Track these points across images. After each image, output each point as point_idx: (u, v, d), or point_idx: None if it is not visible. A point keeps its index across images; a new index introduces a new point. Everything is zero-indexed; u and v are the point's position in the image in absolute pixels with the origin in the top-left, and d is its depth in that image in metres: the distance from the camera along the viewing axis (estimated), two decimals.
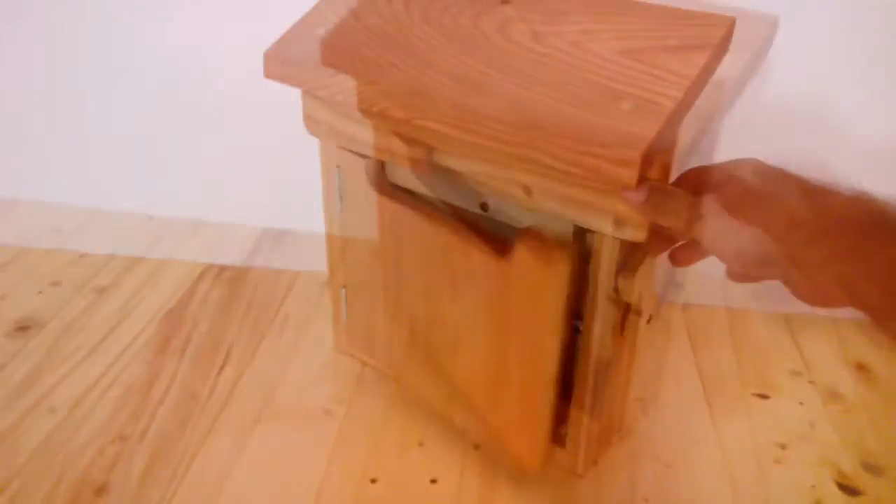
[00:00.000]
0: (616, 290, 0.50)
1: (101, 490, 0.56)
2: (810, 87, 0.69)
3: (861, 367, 0.72)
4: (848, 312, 0.77)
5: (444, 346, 0.58)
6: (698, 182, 0.45)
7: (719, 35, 0.45)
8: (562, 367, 0.52)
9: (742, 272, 0.45)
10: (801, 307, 0.78)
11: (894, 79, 0.68)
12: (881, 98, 0.69)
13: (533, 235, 0.49)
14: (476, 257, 0.51)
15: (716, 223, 0.42)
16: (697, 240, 0.45)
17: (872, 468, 0.60)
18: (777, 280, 0.44)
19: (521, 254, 0.48)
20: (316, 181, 0.63)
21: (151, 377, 0.68)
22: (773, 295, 0.79)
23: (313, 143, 0.61)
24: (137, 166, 0.88)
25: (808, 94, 0.70)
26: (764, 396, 0.68)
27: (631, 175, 0.41)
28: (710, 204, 0.43)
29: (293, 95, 0.57)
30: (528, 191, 0.49)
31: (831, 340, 0.75)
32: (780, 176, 0.43)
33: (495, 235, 0.52)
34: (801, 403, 0.67)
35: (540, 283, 0.48)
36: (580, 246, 0.49)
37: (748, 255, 0.42)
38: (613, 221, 0.47)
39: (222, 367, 0.69)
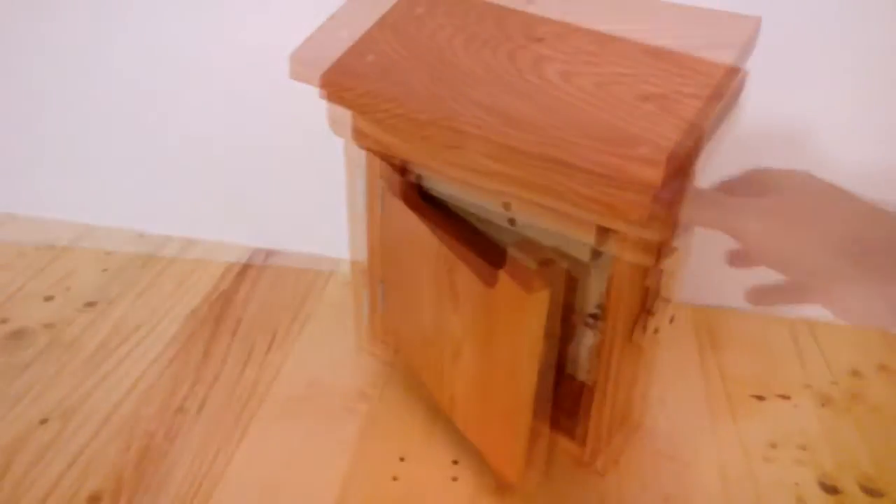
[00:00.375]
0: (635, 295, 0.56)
1: (164, 455, 0.65)
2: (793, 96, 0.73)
3: (857, 374, 0.77)
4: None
5: (448, 353, 0.64)
6: (756, 184, 0.47)
7: (729, 84, 0.50)
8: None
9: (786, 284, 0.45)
10: (806, 312, 0.83)
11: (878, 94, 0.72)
12: (865, 114, 0.73)
13: (516, 262, 0.53)
14: (471, 280, 0.57)
15: (768, 228, 0.42)
16: (743, 243, 0.44)
17: (854, 470, 0.66)
18: (816, 295, 0.44)
19: (504, 279, 0.53)
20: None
21: (207, 353, 0.76)
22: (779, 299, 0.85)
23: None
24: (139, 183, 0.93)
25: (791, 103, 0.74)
26: (761, 398, 0.74)
27: (641, 213, 0.47)
28: (766, 208, 0.43)
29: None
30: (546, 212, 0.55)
31: (831, 346, 0.81)
32: (835, 191, 0.44)
33: (486, 254, 0.57)
34: (795, 406, 0.73)
35: (520, 309, 0.52)
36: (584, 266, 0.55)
37: (796, 264, 0.42)
38: (627, 246, 0.53)
39: (267, 353, 0.77)
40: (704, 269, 0.84)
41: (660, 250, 0.53)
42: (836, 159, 0.74)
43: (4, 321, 0.80)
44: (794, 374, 0.77)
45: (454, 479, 0.64)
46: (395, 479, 0.63)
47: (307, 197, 0.89)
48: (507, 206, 0.56)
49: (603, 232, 0.53)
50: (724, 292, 0.85)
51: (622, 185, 0.47)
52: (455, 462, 0.66)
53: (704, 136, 0.50)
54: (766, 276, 0.49)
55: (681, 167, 0.48)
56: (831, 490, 0.64)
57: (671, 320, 0.60)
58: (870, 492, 0.64)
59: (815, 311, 0.83)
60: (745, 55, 0.52)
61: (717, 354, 0.79)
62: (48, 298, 0.83)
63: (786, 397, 0.74)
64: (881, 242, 0.39)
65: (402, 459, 0.66)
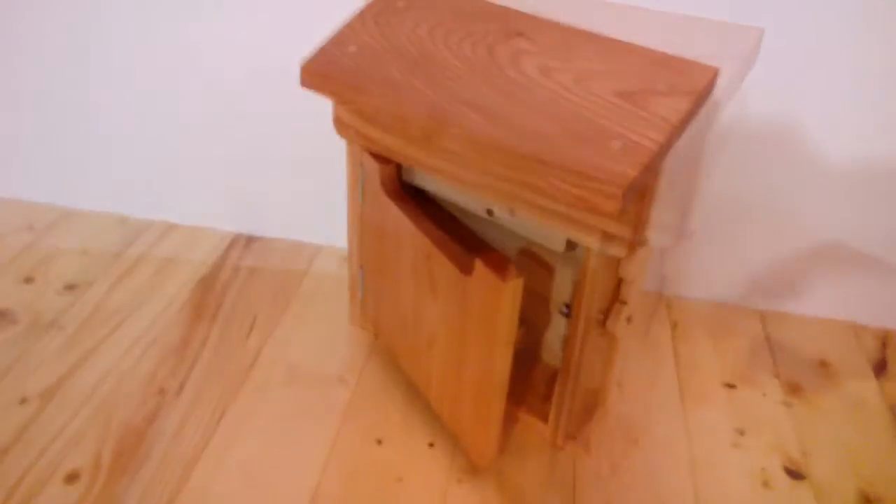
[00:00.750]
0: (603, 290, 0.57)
1: (142, 435, 0.65)
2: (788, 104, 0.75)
3: (823, 364, 0.80)
4: (819, 311, 0.84)
5: (424, 340, 0.65)
6: None
7: (703, 83, 0.52)
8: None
9: None
10: (778, 305, 0.85)
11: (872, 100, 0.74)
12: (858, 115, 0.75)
13: (492, 253, 0.55)
14: (448, 268, 0.58)
15: None
16: None
17: (820, 457, 0.68)
18: None
19: (480, 268, 0.54)
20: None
21: (187, 339, 0.76)
22: (751, 292, 0.87)
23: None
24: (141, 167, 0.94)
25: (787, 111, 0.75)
26: (731, 386, 0.76)
27: (614, 206, 0.48)
28: None
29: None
30: (520, 206, 0.56)
31: (800, 337, 0.83)
32: None
33: (464, 244, 0.58)
34: (763, 395, 0.75)
35: (496, 297, 0.54)
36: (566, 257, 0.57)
37: None
38: (600, 238, 0.54)
39: (249, 334, 0.78)
40: (680, 262, 0.86)
41: (632, 242, 0.54)
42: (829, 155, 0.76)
43: None
44: (765, 364, 0.79)
45: (431, 445, 0.65)
46: (372, 462, 0.65)
47: (288, 184, 0.89)
48: (485, 199, 0.57)
49: (577, 224, 0.55)
50: (698, 284, 0.87)
51: (596, 180, 0.48)
52: (431, 445, 0.67)
53: (677, 132, 0.51)
54: (743, 271, 0.50)
55: (653, 162, 0.49)
56: (796, 475, 0.67)
57: (629, 320, 0.62)
58: (836, 477, 0.66)
59: (786, 304, 0.86)
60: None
61: (689, 345, 0.81)
62: (28, 280, 0.83)
63: (756, 386, 0.76)
64: None
65: (378, 442, 0.67)
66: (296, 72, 0.62)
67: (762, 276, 0.85)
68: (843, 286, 0.84)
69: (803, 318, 0.86)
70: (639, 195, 0.52)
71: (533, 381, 0.72)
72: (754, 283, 0.86)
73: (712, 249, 0.84)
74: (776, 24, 0.69)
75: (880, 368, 0.79)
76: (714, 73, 0.52)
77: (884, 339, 0.84)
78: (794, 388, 0.76)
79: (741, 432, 0.70)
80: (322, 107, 0.82)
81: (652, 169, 0.50)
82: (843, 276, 0.83)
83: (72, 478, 0.61)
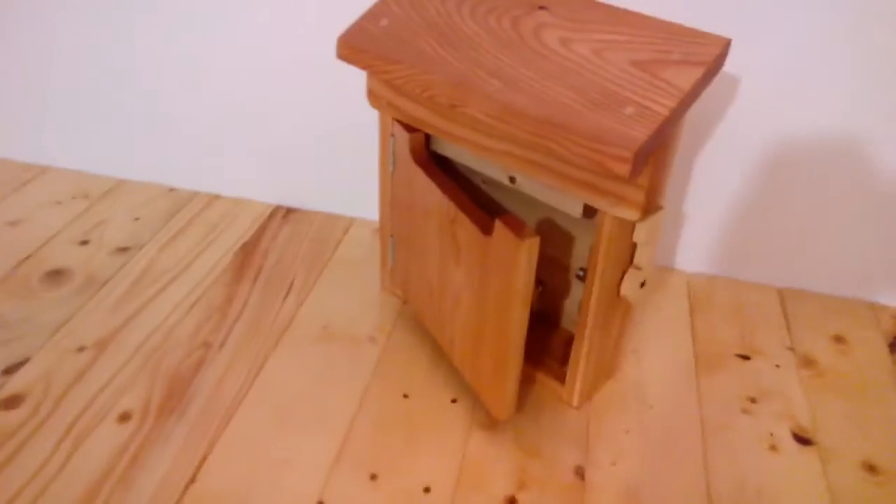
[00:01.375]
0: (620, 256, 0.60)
1: (187, 383, 0.71)
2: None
3: (838, 339, 0.81)
4: (838, 290, 0.86)
5: (449, 302, 0.69)
6: None
7: (715, 53, 0.55)
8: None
9: None
10: (794, 282, 0.87)
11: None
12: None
13: (510, 217, 0.58)
14: (470, 230, 0.62)
15: None
16: None
17: (828, 425, 0.70)
18: None
19: (500, 228, 0.58)
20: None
21: (229, 298, 0.82)
22: (770, 269, 0.89)
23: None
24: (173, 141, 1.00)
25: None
26: (745, 357, 0.78)
27: (625, 169, 0.51)
28: None
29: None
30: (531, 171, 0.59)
31: (816, 313, 0.85)
32: None
33: (487, 213, 0.62)
34: (777, 366, 0.77)
35: (513, 255, 0.57)
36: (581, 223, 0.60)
37: None
38: (614, 201, 0.57)
39: (286, 296, 0.83)
40: (699, 237, 0.88)
41: (645, 206, 0.57)
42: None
43: (44, 262, 0.86)
44: (780, 337, 0.81)
45: (453, 401, 0.69)
46: (399, 414, 0.69)
47: (325, 161, 0.94)
48: (507, 166, 0.61)
49: (592, 188, 0.58)
50: (718, 260, 0.89)
51: (609, 143, 0.52)
52: (454, 401, 0.71)
53: (689, 99, 0.54)
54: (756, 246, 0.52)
55: (664, 127, 0.53)
56: (804, 441, 0.69)
57: (643, 285, 0.65)
58: (842, 444, 0.68)
59: (803, 281, 0.88)
60: (713, 72, 0.55)
61: (707, 317, 0.84)
62: (83, 243, 0.90)
63: (769, 358, 0.78)
64: None
65: (405, 396, 0.71)
66: (333, 52, 0.66)
67: (782, 255, 0.87)
68: (863, 266, 0.85)
69: (822, 296, 0.87)
70: (652, 160, 0.55)
71: (551, 345, 0.75)
72: (774, 261, 0.88)
73: (732, 227, 0.86)
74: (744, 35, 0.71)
75: (895, 346, 0.81)
76: (727, 44, 0.55)
77: None
78: (808, 361, 0.78)
79: (753, 400, 0.73)
80: (356, 91, 0.87)
81: (663, 133, 0.53)
82: (863, 256, 0.85)
83: (124, 417, 0.67)
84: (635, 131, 0.52)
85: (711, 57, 0.55)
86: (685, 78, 0.54)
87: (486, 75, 0.59)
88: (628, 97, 0.54)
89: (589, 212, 0.62)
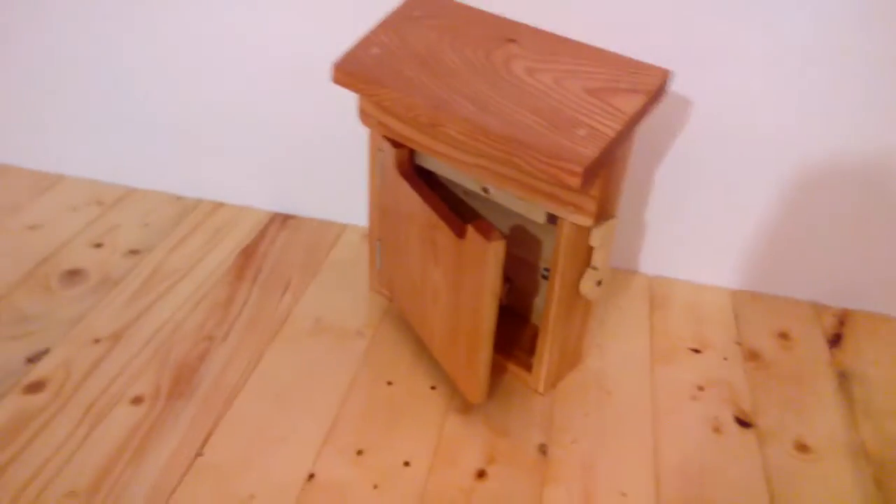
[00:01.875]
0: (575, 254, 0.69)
1: (194, 370, 0.79)
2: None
3: (783, 336, 0.90)
4: (786, 291, 0.94)
5: (429, 298, 0.77)
6: None
7: (657, 83, 0.64)
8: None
9: None
10: (745, 284, 0.96)
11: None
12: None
13: (481, 221, 0.66)
14: (447, 234, 0.70)
15: None
16: None
17: (768, 410, 0.79)
18: None
19: (471, 232, 0.66)
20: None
21: (231, 296, 0.90)
22: (723, 272, 0.97)
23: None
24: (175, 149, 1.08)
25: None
26: (697, 351, 0.87)
27: (576, 181, 0.60)
28: None
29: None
30: (500, 184, 0.68)
31: (764, 312, 0.94)
32: None
33: (463, 219, 0.70)
34: (725, 359, 0.86)
35: (482, 256, 0.65)
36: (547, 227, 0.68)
37: None
38: (571, 210, 0.66)
39: (283, 294, 0.91)
40: (658, 243, 0.97)
41: (597, 214, 0.66)
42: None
43: (62, 262, 0.94)
44: (729, 333, 0.90)
45: (433, 388, 0.78)
46: (383, 399, 0.77)
47: (320, 171, 1.02)
48: (480, 178, 0.70)
49: (553, 198, 0.67)
50: (676, 264, 0.98)
51: (563, 159, 0.61)
52: (433, 388, 0.79)
53: (633, 122, 0.63)
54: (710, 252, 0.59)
55: (611, 146, 0.61)
56: (744, 424, 0.77)
57: (599, 283, 0.73)
58: (779, 427, 0.77)
59: (753, 283, 0.96)
60: (657, 98, 0.64)
61: (664, 315, 0.92)
62: (97, 245, 0.98)
63: (718, 351, 0.87)
64: None
65: (389, 384, 0.79)
66: (328, 73, 0.75)
67: (735, 259, 0.96)
68: (808, 269, 0.94)
69: (770, 297, 0.96)
70: (603, 174, 0.64)
71: (521, 338, 0.84)
72: (727, 265, 0.97)
73: (691, 233, 0.95)
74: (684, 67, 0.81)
75: (835, 341, 0.90)
76: (667, 75, 0.64)
77: (842, 317, 0.94)
78: (753, 355, 0.87)
79: (701, 388, 0.82)
80: (349, 111, 0.96)
81: (611, 151, 0.62)
82: (808, 260, 0.94)
83: (137, 400, 0.75)
84: (586, 149, 0.61)
85: (654, 86, 0.64)
86: (630, 104, 0.63)
87: (462, 99, 0.68)
88: (582, 120, 0.63)
89: (552, 219, 0.71)
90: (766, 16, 0.79)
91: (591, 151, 0.61)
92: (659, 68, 0.65)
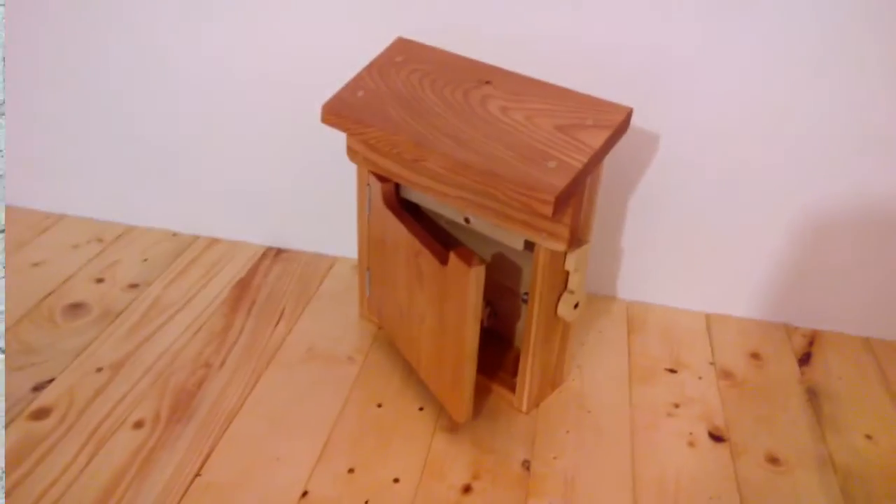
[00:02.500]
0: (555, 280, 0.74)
1: (192, 396, 0.83)
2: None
3: (755, 356, 0.95)
4: (757, 314, 0.99)
5: (416, 322, 0.82)
6: None
7: (619, 119, 0.69)
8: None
9: None
10: (719, 307, 1.00)
11: None
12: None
13: (462, 248, 0.71)
14: (431, 261, 0.75)
15: None
16: None
17: (740, 427, 0.83)
18: None
19: (453, 259, 0.71)
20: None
21: (227, 326, 0.94)
22: (698, 297, 1.02)
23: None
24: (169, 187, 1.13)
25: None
26: (673, 371, 0.91)
27: (548, 209, 0.65)
28: None
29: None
30: (480, 213, 0.73)
31: (736, 334, 0.98)
32: None
33: (446, 247, 0.75)
34: (699, 378, 0.90)
35: (464, 281, 0.70)
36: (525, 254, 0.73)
37: None
38: (545, 237, 0.71)
39: (277, 323, 0.95)
40: (636, 270, 1.02)
41: (570, 241, 0.71)
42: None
43: (64, 297, 0.98)
44: (704, 354, 0.94)
45: (420, 409, 0.82)
46: (373, 420, 0.81)
47: (311, 206, 1.08)
48: (461, 209, 0.75)
49: (528, 226, 0.72)
50: (653, 290, 1.03)
51: (535, 189, 0.66)
52: (421, 409, 0.83)
53: (599, 155, 0.68)
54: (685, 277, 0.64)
55: (579, 177, 0.67)
56: (718, 438, 0.81)
57: (576, 306, 0.78)
58: (751, 441, 0.81)
59: (727, 306, 1.01)
60: (620, 133, 0.70)
61: (642, 338, 0.97)
62: (99, 280, 1.02)
63: (693, 371, 0.91)
64: None
65: (379, 405, 0.83)
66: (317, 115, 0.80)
67: (709, 284, 1.01)
68: (777, 292, 0.99)
69: (743, 320, 1.01)
70: (574, 202, 0.69)
71: (504, 361, 0.88)
72: (702, 290, 1.02)
73: (666, 259, 1.00)
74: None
75: (804, 360, 0.94)
76: (629, 112, 0.70)
77: (812, 337, 0.99)
78: (726, 374, 0.91)
79: (676, 405, 0.86)
80: (339, 150, 1.01)
81: (579, 181, 0.67)
82: (779, 283, 0.99)
83: (138, 425, 0.79)
84: (556, 180, 0.66)
85: (617, 122, 0.69)
86: (596, 138, 0.68)
87: (442, 136, 0.73)
88: (552, 154, 0.68)
89: (529, 245, 0.76)
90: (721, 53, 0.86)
91: (560, 182, 0.66)
92: (621, 106, 0.70)
